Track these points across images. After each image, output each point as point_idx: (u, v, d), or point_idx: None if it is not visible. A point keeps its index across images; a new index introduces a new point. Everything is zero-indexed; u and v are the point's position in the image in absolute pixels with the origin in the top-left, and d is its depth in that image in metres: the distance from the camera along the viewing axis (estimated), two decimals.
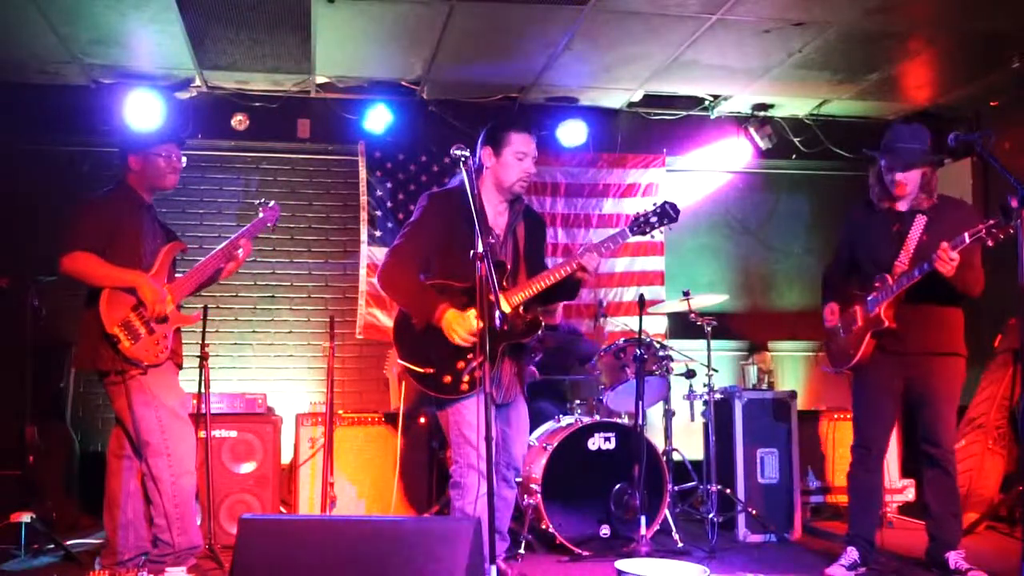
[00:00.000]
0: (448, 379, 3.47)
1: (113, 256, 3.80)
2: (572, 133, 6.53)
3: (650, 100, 6.59)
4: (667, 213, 3.58)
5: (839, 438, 5.49)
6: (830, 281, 4.39)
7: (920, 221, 3.97)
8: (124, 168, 4.01)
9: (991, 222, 3.62)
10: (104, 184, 4.10)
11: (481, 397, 3.60)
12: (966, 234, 3.68)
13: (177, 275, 4.07)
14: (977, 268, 3.94)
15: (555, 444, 4.54)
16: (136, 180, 4.01)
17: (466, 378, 3.46)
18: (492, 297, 3.06)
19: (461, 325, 3.41)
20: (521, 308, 3.56)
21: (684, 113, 6.76)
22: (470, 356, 3.45)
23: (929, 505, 4.07)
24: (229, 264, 4.18)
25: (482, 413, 3.57)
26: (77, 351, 3.90)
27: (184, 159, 4.12)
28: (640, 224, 3.62)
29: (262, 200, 4.40)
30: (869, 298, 4.05)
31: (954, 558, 3.96)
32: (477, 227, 3.07)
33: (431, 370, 3.47)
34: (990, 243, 3.65)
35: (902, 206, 4.07)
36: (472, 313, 3.41)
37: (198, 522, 4.12)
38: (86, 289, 3.84)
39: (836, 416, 5.56)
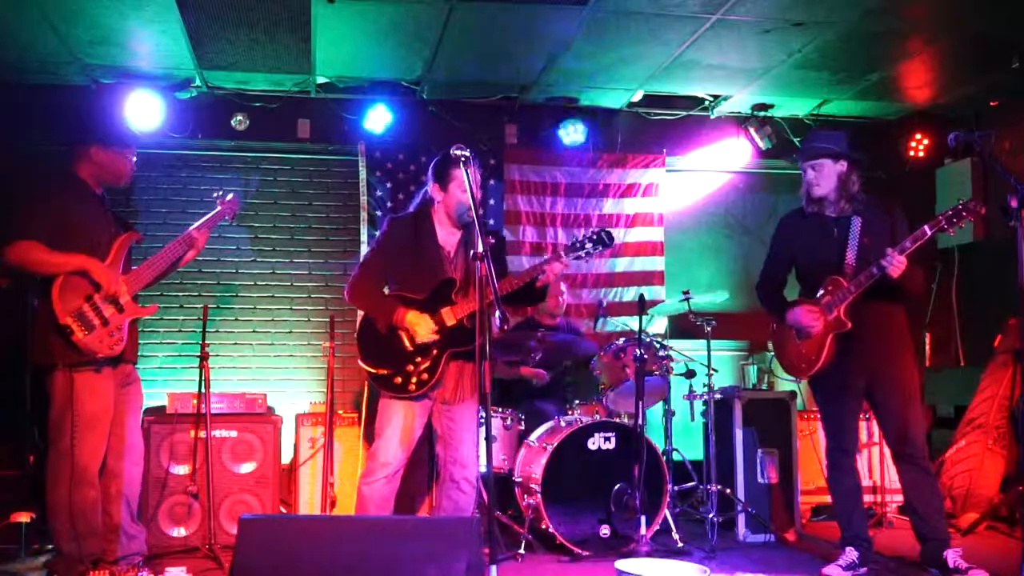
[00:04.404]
0: (399, 380, 3.79)
1: (66, 247, 3.65)
2: (572, 133, 6.52)
3: (650, 100, 6.58)
4: (602, 240, 3.86)
5: None
6: (766, 293, 4.43)
7: (857, 223, 4.09)
8: (78, 157, 3.86)
9: (949, 212, 3.76)
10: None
11: (424, 403, 3.83)
12: (926, 227, 3.80)
13: (133, 268, 3.92)
14: (919, 267, 4.00)
15: (555, 444, 4.54)
16: (90, 172, 3.87)
17: (414, 380, 3.78)
18: (492, 297, 3.12)
19: (421, 324, 3.76)
20: (466, 319, 3.79)
21: (684, 113, 6.76)
22: (419, 360, 3.78)
23: (914, 506, 4.07)
24: (188, 253, 4.05)
25: (414, 415, 3.80)
26: (31, 344, 3.72)
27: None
28: (575, 248, 3.86)
29: (219, 192, 4.32)
30: (824, 301, 4.08)
31: (953, 556, 3.95)
32: (477, 229, 3.23)
33: (385, 371, 3.80)
34: (951, 232, 3.80)
35: (831, 211, 4.15)
36: (427, 317, 3.76)
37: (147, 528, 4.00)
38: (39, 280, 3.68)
39: None
